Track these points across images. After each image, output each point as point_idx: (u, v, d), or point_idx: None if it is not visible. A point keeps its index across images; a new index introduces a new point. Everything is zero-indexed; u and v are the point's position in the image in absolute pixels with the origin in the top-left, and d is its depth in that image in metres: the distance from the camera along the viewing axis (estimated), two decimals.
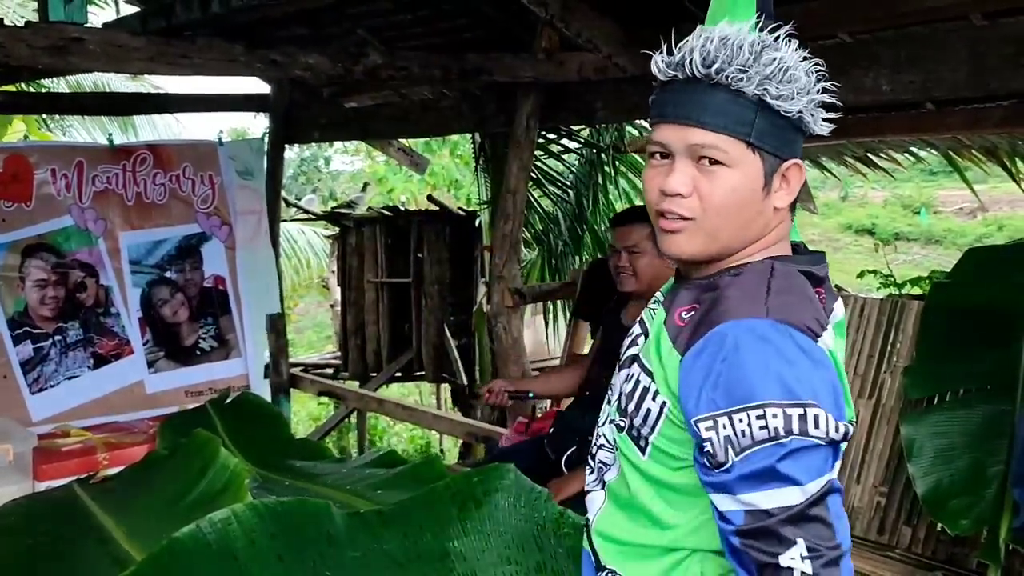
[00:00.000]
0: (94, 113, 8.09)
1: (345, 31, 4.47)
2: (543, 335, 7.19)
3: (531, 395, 3.15)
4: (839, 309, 1.33)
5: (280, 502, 1.76)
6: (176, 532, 1.69)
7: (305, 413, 11.49)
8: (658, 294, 1.44)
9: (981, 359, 3.11)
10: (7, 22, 3.04)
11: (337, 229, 7.78)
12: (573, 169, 6.19)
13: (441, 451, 9.62)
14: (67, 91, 7.96)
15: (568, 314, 5.70)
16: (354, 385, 7.11)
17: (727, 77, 1.19)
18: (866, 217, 21.93)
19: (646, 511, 1.30)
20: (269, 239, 5.07)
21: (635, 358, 1.36)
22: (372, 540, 1.77)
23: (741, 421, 1.11)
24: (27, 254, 4.36)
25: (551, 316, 6.69)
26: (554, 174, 6.20)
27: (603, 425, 1.44)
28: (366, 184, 13.25)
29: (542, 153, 5.90)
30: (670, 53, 1.26)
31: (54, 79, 7.56)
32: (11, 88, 5.03)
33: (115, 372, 4.61)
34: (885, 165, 6.00)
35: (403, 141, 6.71)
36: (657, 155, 1.29)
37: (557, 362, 5.34)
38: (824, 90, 1.24)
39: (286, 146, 5.75)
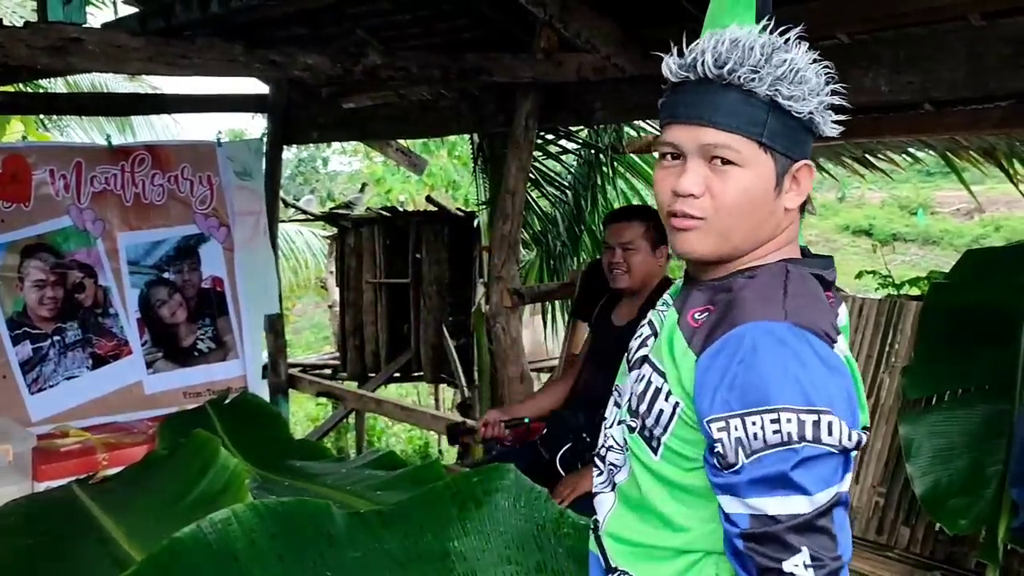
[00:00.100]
0: (92, 113, 8.09)
1: (344, 31, 4.48)
2: (542, 335, 7.19)
3: (527, 420, 3.15)
4: (843, 313, 1.34)
5: (280, 502, 1.76)
6: (176, 532, 1.69)
7: (303, 414, 11.49)
8: (666, 296, 1.44)
9: (979, 359, 3.11)
10: (6, 22, 3.04)
11: (335, 230, 7.78)
12: (571, 170, 6.19)
13: (440, 451, 9.62)
14: (64, 91, 7.96)
15: (566, 315, 5.70)
16: (352, 386, 7.10)
17: (739, 78, 1.20)
18: (863, 218, 21.95)
19: (657, 512, 1.29)
20: (268, 240, 5.07)
21: (645, 359, 1.36)
22: (372, 540, 1.77)
23: (754, 424, 1.12)
24: (26, 254, 4.35)
25: (549, 317, 6.69)
26: (552, 175, 6.20)
27: (612, 426, 1.44)
28: (364, 185, 13.25)
29: (540, 154, 5.90)
30: (680, 55, 1.27)
31: (51, 79, 7.56)
32: (9, 88, 5.02)
33: (114, 373, 4.60)
34: (883, 166, 6.00)
35: (401, 142, 6.71)
36: (668, 156, 1.29)
37: (556, 362, 5.34)
38: (833, 92, 1.25)
39: (284, 147, 5.75)
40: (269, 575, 1.69)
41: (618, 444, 1.41)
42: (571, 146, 6.12)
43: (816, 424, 1.10)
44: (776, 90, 1.20)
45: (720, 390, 1.15)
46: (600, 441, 1.48)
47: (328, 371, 7.98)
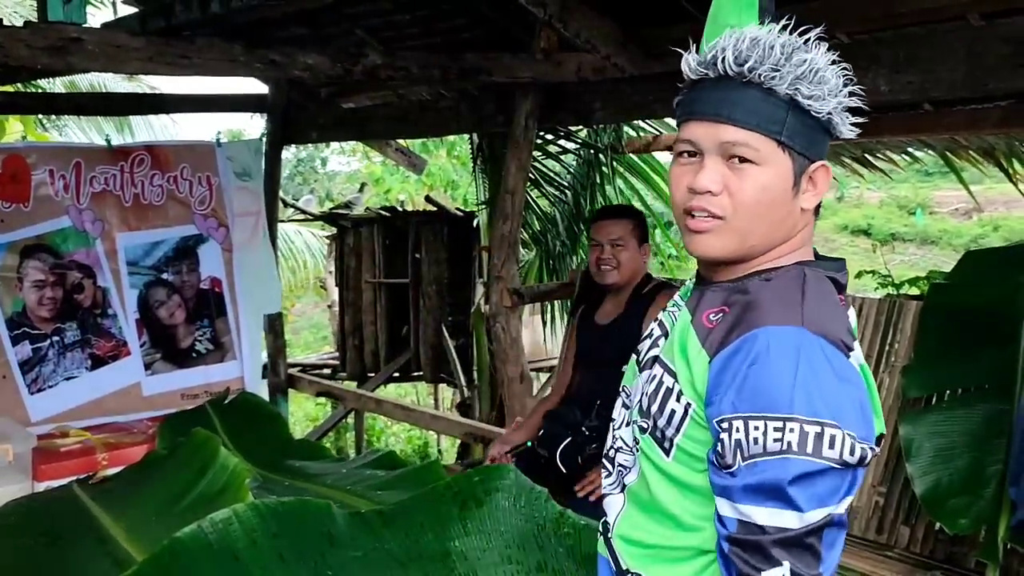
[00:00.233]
0: (91, 113, 8.09)
1: (344, 31, 4.48)
2: (541, 335, 7.19)
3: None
4: (852, 317, 1.33)
5: (281, 502, 1.76)
6: (177, 532, 1.69)
7: (302, 414, 11.49)
8: (676, 297, 1.43)
9: (979, 359, 3.11)
10: (6, 22, 3.04)
11: (335, 230, 7.78)
12: (571, 170, 6.18)
13: (439, 451, 9.62)
14: (63, 91, 7.96)
15: (566, 314, 5.70)
16: (352, 385, 7.11)
17: (760, 76, 1.20)
18: (862, 218, 21.96)
19: (669, 513, 1.29)
20: (268, 240, 5.07)
21: (656, 359, 1.35)
22: (373, 540, 1.77)
23: (757, 428, 1.11)
24: (25, 255, 4.35)
25: (549, 316, 6.69)
26: (552, 174, 6.19)
27: (620, 427, 1.44)
28: (363, 184, 13.26)
29: (540, 154, 5.90)
30: (697, 53, 1.26)
31: (50, 79, 7.55)
32: (9, 88, 5.02)
33: (112, 373, 4.60)
34: (882, 166, 6.01)
35: (400, 141, 6.71)
36: (685, 154, 1.28)
37: (555, 362, 5.34)
38: (850, 93, 1.24)
39: (283, 147, 5.74)
40: (270, 575, 1.69)
41: (627, 445, 1.40)
42: (570, 146, 6.11)
43: (819, 436, 1.09)
44: (796, 89, 1.20)
45: (729, 391, 1.15)
46: (608, 442, 1.47)
47: (327, 371, 7.98)
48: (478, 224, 6.74)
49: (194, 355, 4.84)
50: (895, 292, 5.66)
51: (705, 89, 1.25)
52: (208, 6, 3.15)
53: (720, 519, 1.16)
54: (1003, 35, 2.78)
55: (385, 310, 7.06)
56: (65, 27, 2.88)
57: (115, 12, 4.94)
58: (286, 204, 9.29)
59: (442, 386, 8.36)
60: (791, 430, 1.09)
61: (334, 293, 8.85)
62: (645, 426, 1.32)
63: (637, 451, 1.36)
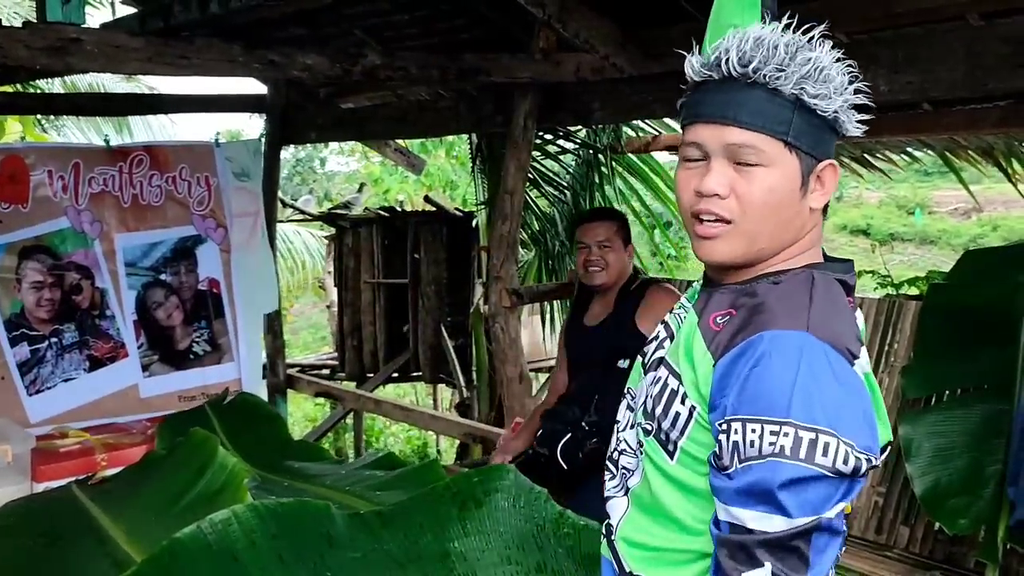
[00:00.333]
0: (90, 114, 8.09)
1: (343, 32, 4.48)
2: (540, 335, 7.19)
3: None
4: (859, 318, 1.32)
5: (281, 503, 1.76)
6: (176, 533, 1.68)
7: (301, 414, 11.49)
8: (683, 299, 1.43)
9: (978, 359, 3.12)
10: (4, 22, 3.04)
11: (333, 230, 7.78)
12: (570, 170, 6.18)
13: (438, 451, 9.62)
14: (62, 91, 7.96)
15: (565, 315, 5.70)
16: (351, 386, 7.10)
17: (764, 76, 1.19)
18: (861, 217, 21.97)
19: (672, 516, 1.28)
20: (266, 240, 5.07)
21: (662, 360, 1.34)
22: (373, 541, 1.77)
23: (754, 432, 1.10)
24: (24, 256, 4.35)
25: (548, 317, 6.69)
26: (551, 175, 6.19)
27: (624, 430, 1.43)
28: (362, 185, 13.25)
29: (539, 154, 5.89)
30: (700, 54, 1.25)
31: (49, 79, 7.55)
32: (8, 88, 5.02)
33: (110, 375, 4.59)
34: (881, 165, 6.01)
35: (399, 142, 6.71)
36: (691, 156, 1.27)
37: (554, 363, 5.34)
38: (856, 91, 1.23)
39: (282, 147, 5.74)
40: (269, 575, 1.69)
41: (631, 448, 1.39)
42: (569, 146, 6.12)
43: (812, 443, 1.08)
44: (801, 88, 1.19)
45: (731, 393, 1.14)
46: (612, 445, 1.46)
47: (326, 371, 7.98)
48: (477, 224, 6.74)
49: (191, 356, 4.84)
50: (894, 292, 5.66)
51: (709, 91, 1.24)
52: (207, 6, 3.15)
53: (715, 522, 1.16)
54: (1002, 35, 2.78)
55: (384, 310, 7.06)
56: (64, 27, 2.87)
57: (113, 12, 4.94)
58: (285, 204, 9.29)
59: (441, 386, 8.36)
60: (785, 434, 1.08)
61: (333, 293, 8.85)
62: (649, 428, 1.32)
63: (641, 454, 1.35)
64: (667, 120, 5.35)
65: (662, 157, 6.18)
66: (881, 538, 3.35)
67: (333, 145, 18.36)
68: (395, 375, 7.27)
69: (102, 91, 8.51)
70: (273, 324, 5.53)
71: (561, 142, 6.07)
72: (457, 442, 7.15)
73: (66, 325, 4.47)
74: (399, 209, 8.16)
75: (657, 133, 5.80)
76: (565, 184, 6.15)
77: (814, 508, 1.09)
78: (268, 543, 1.70)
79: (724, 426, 1.14)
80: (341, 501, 2.47)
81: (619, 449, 1.43)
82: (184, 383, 4.80)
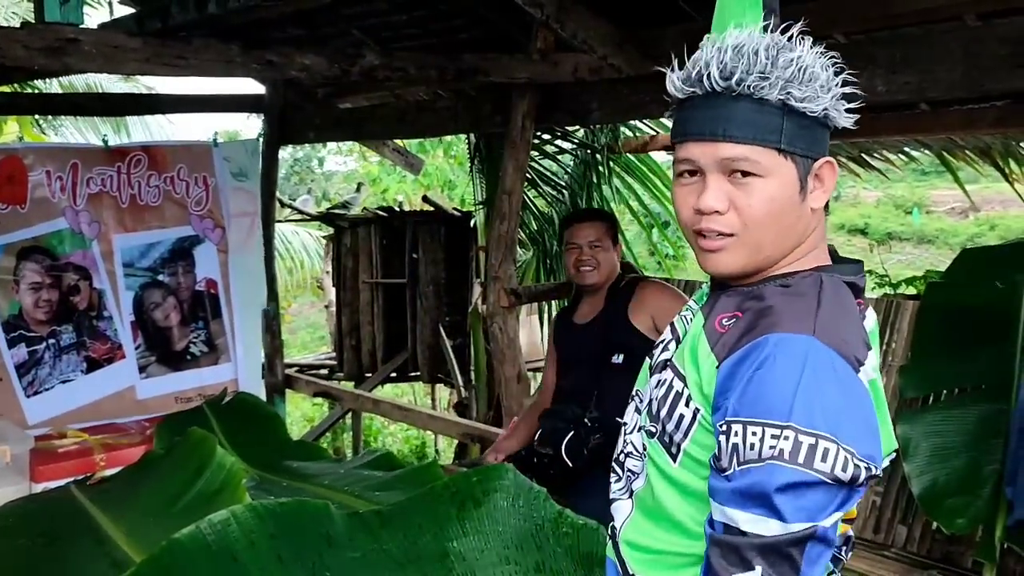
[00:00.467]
0: (88, 114, 8.08)
1: (341, 32, 4.47)
2: (538, 335, 7.19)
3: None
4: (871, 318, 1.31)
5: (279, 503, 1.76)
6: (175, 533, 1.69)
7: (299, 414, 11.49)
8: (691, 302, 1.43)
9: (976, 359, 3.12)
10: (2, 23, 3.03)
11: (332, 230, 7.78)
12: (568, 170, 6.18)
13: (436, 451, 9.62)
14: (59, 91, 7.95)
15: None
16: (349, 386, 7.10)
17: (748, 87, 1.17)
18: (859, 217, 21.97)
19: (673, 520, 1.28)
20: (261, 241, 5.07)
21: (668, 363, 1.34)
22: (371, 540, 1.77)
23: (754, 434, 1.10)
24: (22, 256, 4.35)
25: (546, 316, 6.69)
26: (549, 174, 6.20)
27: (632, 432, 1.42)
28: (360, 184, 13.25)
29: (537, 154, 5.89)
30: (680, 67, 1.24)
31: (46, 79, 7.55)
32: (6, 89, 5.01)
33: (107, 376, 4.60)
34: (879, 165, 6.02)
35: (398, 142, 6.70)
36: (685, 173, 1.26)
37: None
38: (844, 82, 1.22)
39: (280, 147, 5.74)
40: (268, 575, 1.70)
41: (637, 451, 1.38)
42: (567, 146, 6.12)
43: (812, 448, 1.07)
44: (788, 93, 1.17)
45: (733, 395, 1.13)
46: (619, 447, 1.45)
47: (325, 371, 7.98)
48: (475, 224, 6.74)
49: (188, 357, 4.84)
50: (892, 292, 5.67)
51: (696, 107, 1.22)
52: (205, 7, 3.15)
53: (710, 522, 1.16)
54: (1000, 35, 2.78)
55: (382, 310, 7.05)
56: (62, 28, 2.87)
57: (111, 13, 4.93)
58: (283, 204, 9.28)
59: (439, 386, 8.35)
60: (785, 438, 1.07)
61: (331, 293, 8.85)
62: (653, 431, 1.31)
63: (646, 456, 1.35)
64: (665, 120, 5.35)
65: (660, 157, 6.19)
66: (879, 537, 3.35)
67: (331, 145, 18.36)
68: (393, 375, 7.27)
69: (99, 91, 8.51)
70: (271, 324, 5.53)
71: (559, 142, 6.07)
72: (455, 442, 7.15)
73: (64, 326, 4.47)
74: (397, 209, 8.16)
75: (655, 133, 5.81)
76: (563, 184, 6.15)
77: (810, 514, 1.08)
78: (267, 543, 1.71)
79: (724, 427, 1.13)
80: (340, 501, 2.48)
81: (626, 452, 1.42)
82: (181, 384, 4.80)
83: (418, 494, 1.86)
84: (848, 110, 1.23)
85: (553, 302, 6.36)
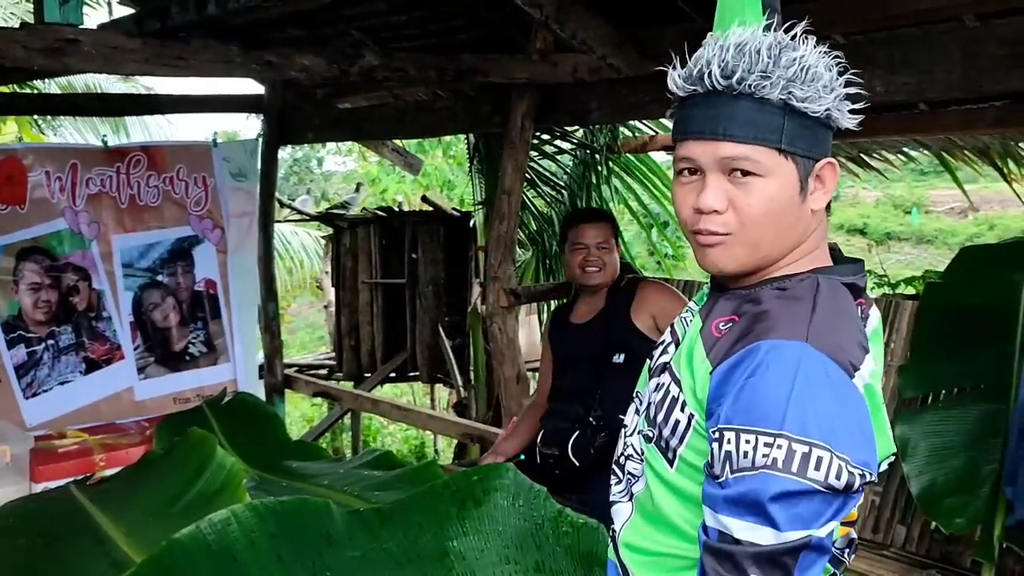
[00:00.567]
0: (87, 114, 8.08)
1: (340, 32, 4.47)
2: (538, 335, 7.19)
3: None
4: (875, 316, 1.30)
5: (280, 501, 1.76)
6: (176, 533, 1.69)
7: (299, 414, 11.48)
8: (691, 304, 1.42)
9: (975, 358, 3.12)
10: (1, 23, 3.04)
11: (331, 230, 7.78)
12: (567, 170, 6.18)
13: (435, 451, 9.62)
14: (58, 91, 7.95)
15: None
16: (348, 386, 7.10)
17: (750, 86, 1.16)
18: (857, 217, 21.97)
19: (671, 524, 1.27)
20: (256, 241, 5.08)
21: (666, 366, 1.33)
22: (372, 539, 1.77)
23: (748, 442, 1.09)
24: (21, 257, 4.34)
25: (545, 316, 6.69)
26: (548, 175, 6.20)
27: (632, 434, 1.41)
28: (359, 184, 13.25)
29: (536, 154, 5.90)
30: (682, 65, 1.23)
31: (45, 79, 7.55)
32: (5, 89, 5.02)
33: (106, 377, 4.59)
34: (877, 165, 6.02)
35: (397, 142, 6.70)
36: (685, 172, 1.25)
37: None
38: (848, 83, 1.21)
39: (280, 147, 5.74)
40: (269, 575, 1.70)
41: (637, 453, 1.37)
42: (567, 146, 6.12)
43: (805, 457, 1.06)
44: (789, 93, 1.16)
45: (726, 402, 1.13)
46: (619, 449, 1.45)
47: (324, 371, 7.97)
48: (474, 224, 6.74)
49: (187, 358, 4.83)
50: (891, 292, 5.68)
51: (697, 106, 1.21)
52: (204, 7, 3.15)
53: (704, 528, 1.15)
54: (998, 36, 2.78)
55: (381, 310, 7.05)
56: (61, 28, 2.87)
57: (110, 13, 4.93)
58: (282, 204, 9.28)
59: (438, 386, 8.36)
60: (778, 446, 1.07)
61: (330, 293, 8.84)
62: (651, 435, 1.31)
63: (644, 460, 1.34)
64: (664, 120, 5.35)
65: (659, 157, 6.19)
66: (878, 537, 3.36)
67: (330, 145, 18.33)
68: (392, 375, 7.27)
69: (99, 91, 8.51)
70: (271, 324, 5.53)
71: (558, 142, 6.07)
72: (455, 442, 7.15)
73: (62, 327, 4.47)
74: (396, 209, 8.16)
75: (654, 133, 5.81)
76: (562, 184, 6.16)
77: (804, 523, 1.07)
78: (267, 542, 1.71)
79: (718, 435, 1.13)
80: (340, 501, 2.47)
81: (626, 454, 1.41)
82: (179, 385, 4.79)
83: (418, 493, 1.87)
84: (851, 111, 1.22)
85: (553, 303, 6.36)
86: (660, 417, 1.28)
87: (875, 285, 5.78)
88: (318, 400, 9.29)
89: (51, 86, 8.05)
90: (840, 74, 1.20)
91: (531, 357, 6.51)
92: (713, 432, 1.14)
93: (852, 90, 1.21)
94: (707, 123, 1.20)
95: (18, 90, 6.06)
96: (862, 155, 5.85)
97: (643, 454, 1.35)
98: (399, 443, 10.49)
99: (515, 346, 4.02)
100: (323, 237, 10.09)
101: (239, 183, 4.92)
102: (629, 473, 1.40)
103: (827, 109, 1.19)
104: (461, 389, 6.69)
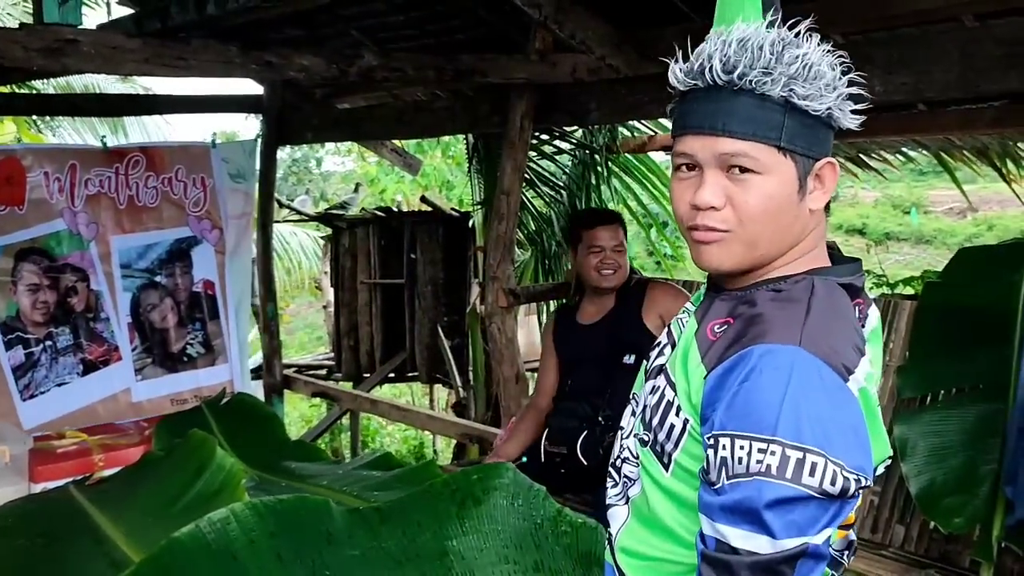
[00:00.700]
0: (86, 114, 8.08)
1: (339, 32, 4.48)
2: (537, 335, 7.19)
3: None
4: (874, 316, 1.29)
5: (279, 500, 1.75)
6: (175, 532, 1.68)
7: (297, 414, 11.48)
8: (688, 304, 1.41)
9: (974, 358, 3.12)
10: (0, 24, 3.04)
11: (330, 230, 7.78)
12: (566, 170, 6.18)
13: (434, 452, 9.61)
14: (56, 92, 7.95)
15: (551, 313, 5.69)
16: (347, 386, 7.10)
17: (751, 81, 1.15)
18: (856, 217, 21.98)
19: (667, 529, 1.27)
20: (251, 241, 5.09)
21: (662, 369, 1.32)
22: (371, 538, 1.77)
23: (742, 448, 1.08)
24: (20, 258, 4.34)
25: (545, 316, 6.69)
26: (547, 175, 6.20)
27: (628, 437, 1.40)
28: (358, 185, 13.25)
29: (535, 154, 5.90)
30: (684, 60, 1.22)
31: (44, 79, 7.55)
32: (4, 89, 5.02)
33: (103, 379, 4.58)
34: (876, 165, 6.03)
35: (396, 142, 6.71)
36: (683, 167, 1.24)
37: None
38: (851, 82, 1.19)
39: (278, 147, 5.75)
40: (267, 575, 1.69)
41: (634, 456, 1.36)
42: (566, 146, 6.12)
43: (800, 463, 1.05)
44: (790, 90, 1.14)
45: (720, 407, 1.12)
46: (615, 452, 1.44)
47: (323, 372, 7.97)
48: (473, 224, 6.74)
49: (185, 359, 4.83)
50: (890, 292, 5.68)
51: (697, 100, 1.20)
52: (204, 8, 3.15)
53: (701, 537, 1.15)
54: (996, 36, 2.79)
55: (380, 311, 7.05)
56: (61, 28, 2.87)
57: (109, 13, 4.93)
58: (281, 205, 9.27)
59: (437, 386, 8.35)
60: (772, 453, 1.06)
61: (329, 294, 8.83)
62: (646, 439, 1.30)
63: (639, 463, 1.34)
64: (663, 120, 5.36)
65: (658, 157, 6.19)
66: (877, 537, 3.36)
67: (329, 145, 18.35)
68: (391, 375, 7.26)
69: (97, 91, 8.51)
70: (269, 324, 5.53)
71: (557, 142, 6.07)
72: (454, 442, 7.15)
73: (60, 328, 4.46)
74: (395, 209, 8.16)
75: (653, 133, 5.81)
76: (561, 184, 6.16)
77: (800, 529, 1.06)
78: (267, 541, 1.70)
79: (712, 441, 1.12)
80: (339, 501, 2.47)
81: (622, 457, 1.40)
82: (177, 386, 4.79)
83: (418, 491, 1.86)
84: (854, 111, 1.21)
85: (552, 303, 6.36)
86: (655, 421, 1.27)
87: (874, 285, 5.78)
88: (317, 400, 9.28)
89: (48, 86, 8.05)
90: (843, 73, 1.19)
91: (530, 357, 6.51)
92: (708, 438, 1.13)
93: (854, 90, 1.20)
94: (706, 118, 1.19)
95: (17, 90, 6.06)
96: (861, 155, 5.85)
97: (639, 458, 1.34)
98: (398, 443, 10.48)
99: (514, 346, 4.02)
100: (322, 237, 10.09)
101: (237, 184, 4.92)
102: (625, 476, 1.39)
103: (829, 108, 1.17)
104: (460, 389, 6.69)
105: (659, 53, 1.24)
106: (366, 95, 5.50)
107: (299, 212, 10.06)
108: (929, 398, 3.26)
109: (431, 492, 1.84)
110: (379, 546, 1.76)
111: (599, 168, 5.84)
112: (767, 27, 1.20)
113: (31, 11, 3.07)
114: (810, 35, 1.19)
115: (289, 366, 7.32)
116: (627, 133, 5.90)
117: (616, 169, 6.05)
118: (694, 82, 1.20)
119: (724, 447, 1.10)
